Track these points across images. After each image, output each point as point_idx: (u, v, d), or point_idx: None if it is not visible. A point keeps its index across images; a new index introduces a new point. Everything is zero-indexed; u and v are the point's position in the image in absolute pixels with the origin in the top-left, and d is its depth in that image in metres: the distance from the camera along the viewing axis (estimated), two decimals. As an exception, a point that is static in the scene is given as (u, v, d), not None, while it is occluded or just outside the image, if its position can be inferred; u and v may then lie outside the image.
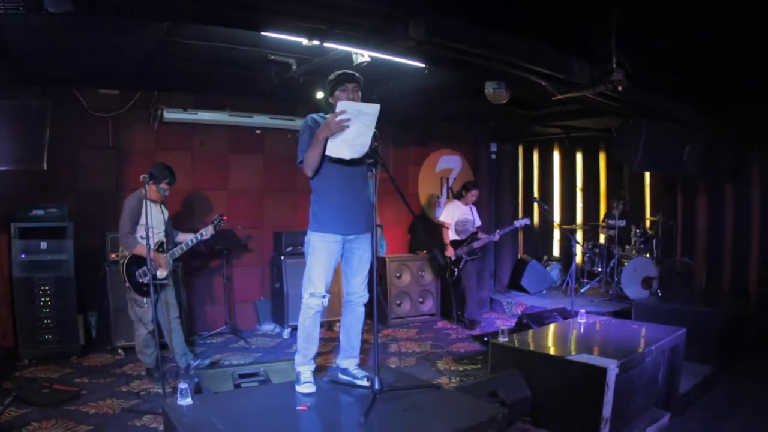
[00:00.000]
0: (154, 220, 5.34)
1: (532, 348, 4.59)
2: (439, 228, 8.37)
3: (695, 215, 8.69)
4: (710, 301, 6.70)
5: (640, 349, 4.36)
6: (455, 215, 8.24)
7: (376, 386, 3.47)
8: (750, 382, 5.60)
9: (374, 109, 3.48)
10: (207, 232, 5.77)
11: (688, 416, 4.80)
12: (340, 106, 3.48)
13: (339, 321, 4.22)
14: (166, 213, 5.78)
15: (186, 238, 5.76)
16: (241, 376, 4.52)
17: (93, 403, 4.94)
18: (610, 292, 8.91)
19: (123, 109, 7.27)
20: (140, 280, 5.40)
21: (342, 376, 4.00)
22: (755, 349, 6.60)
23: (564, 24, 4.75)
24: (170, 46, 5.46)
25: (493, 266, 10.31)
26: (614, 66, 4.88)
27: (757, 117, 7.12)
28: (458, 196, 8.52)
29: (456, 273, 8.12)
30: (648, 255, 8.83)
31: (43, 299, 6.12)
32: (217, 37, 5.24)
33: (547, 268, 10.27)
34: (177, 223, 6.38)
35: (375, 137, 3.59)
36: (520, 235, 10.97)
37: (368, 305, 4.01)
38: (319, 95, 6.83)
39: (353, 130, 3.48)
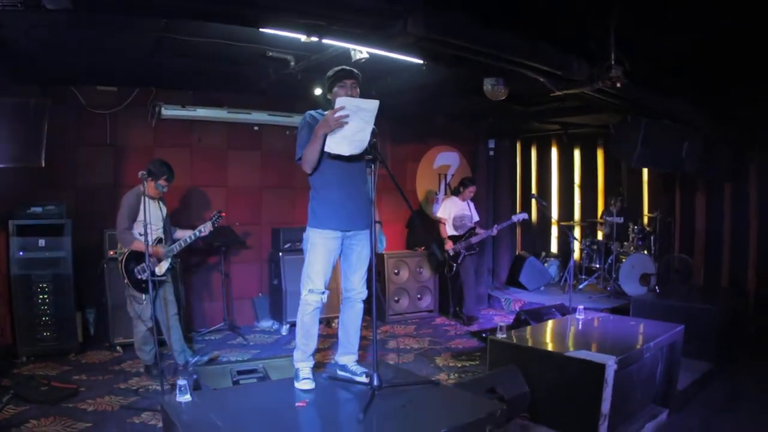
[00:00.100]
0: (152, 216, 5.35)
1: (530, 344, 4.60)
2: (436, 224, 8.38)
3: (693, 212, 8.70)
4: (708, 298, 6.71)
5: (639, 346, 4.36)
6: (452, 211, 8.24)
7: (375, 382, 3.48)
8: (748, 379, 5.61)
9: (373, 105, 3.48)
10: (205, 228, 5.76)
11: (687, 413, 4.81)
12: (339, 102, 3.47)
13: (337, 317, 4.22)
14: (165, 210, 5.77)
15: (184, 235, 5.75)
16: (240, 372, 4.52)
17: (91, 401, 4.94)
18: (608, 288, 8.92)
19: (121, 106, 7.25)
20: (139, 277, 5.40)
21: (341, 373, 4.01)
22: (753, 346, 6.62)
23: (563, 21, 4.75)
24: (168, 43, 5.45)
25: (491, 262, 10.31)
26: (613, 63, 4.88)
27: (756, 116, 7.12)
28: (456, 193, 8.53)
29: (454, 268, 8.13)
30: (646, 252, 8.84)
31: (41, 296, 6.12)
32: (215, 33, 5.22)
33: (545, 264, 10.28)
34: (175, 219, 6.38)
35: (374, 133, 3.58)
36: (518, 231, 10.96)
37: (367, 302, 4.01)
38: (318, 92, 6.83)
39: (352, 126, 3.47)
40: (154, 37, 5.31)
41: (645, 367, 4.44)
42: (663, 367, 4.72)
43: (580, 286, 9.46)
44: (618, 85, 5.03)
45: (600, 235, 9.80)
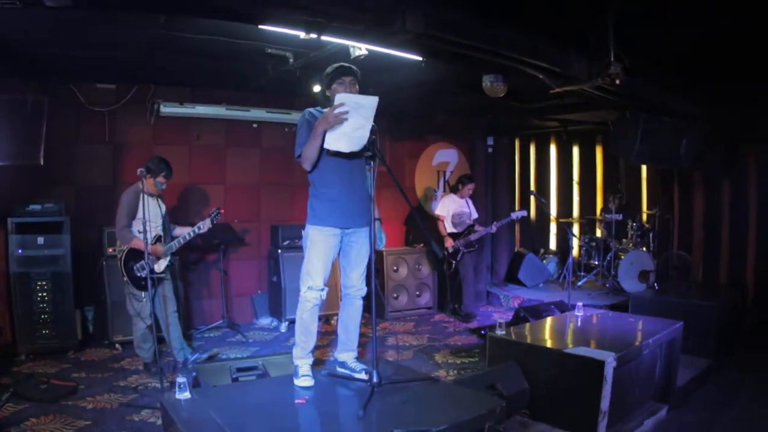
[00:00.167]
0: (151, 213, 5.34)
1: (529, 341, 4.60)
2: (435, 221, 8.38)
3: (692, 209, 8.69)
4: (707, 294, 6.71)
5: (638, 342, 4.36)
6: (451, 208, 8.25)
7: (375, 379, 3.49)
8: (747, 375, 5.61)
9: (373, 101, 3.48)
10: (204, 225, 5.76)
11: (686, 409, 4.81)
12: (339, 98, 3.47)
13: (336, 315, 4.23)
14: (164, 207, 5.77)
15: (183, 232, 5.75)
16: (239, 369, 4.51)
17: (91, 398, 4.94)
18: (607, 285, 8.92)
19: (120, 103, 7.25)
20: (138, 274, 5.39)
21: (340, 370, 4.01)
22: (752, 342, 6.63)
23: (562, 18, 4.75)
24: (167, 40, 5.43)
25: (490, 259, 10.32)
26: (612, 60, 4.88)
27: (755, 116, 7.11)
28: (454, 190, 8.54)
29: (453, 265, 8.13)
30: (645, 248, 8.84)
31: (40, 294, 6.11)
32: (214, 30, 5.20)
33: (544, 261, 10.28)
34: (174, 217, 6.37)
35: (373, 130, 3.58)
36: (517, 228, 10.97)
37: (366, 299, 4.01)
38: (316, 89, 6.81)
39: (352, 122, 3.47)
40: (153, 34, 5.30)
41: (644, 364, 4.45)
42: (662, 363, 4.73)
43: (579, 283, 9.46)
44: (617, 81, 5.03)
45: (599, 232, 9.80)
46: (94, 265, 6.55)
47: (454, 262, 8.10)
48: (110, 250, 6.42)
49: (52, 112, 6.19)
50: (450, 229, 8.19)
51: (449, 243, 8.03)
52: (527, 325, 5.48)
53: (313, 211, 3.81)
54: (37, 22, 4.75)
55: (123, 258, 5.41)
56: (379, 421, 3.17)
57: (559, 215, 10.70)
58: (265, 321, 7.97)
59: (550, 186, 11.20)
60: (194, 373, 4.59)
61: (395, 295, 8.51)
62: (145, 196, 5.09)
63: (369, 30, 4.18)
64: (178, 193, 7.50)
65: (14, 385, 4.92)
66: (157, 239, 5.54)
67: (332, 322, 7.45)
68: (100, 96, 7.16)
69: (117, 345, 6.48)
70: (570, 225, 10.16)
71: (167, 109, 7.33)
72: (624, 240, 9.10)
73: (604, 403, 3.80)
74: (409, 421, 3.03)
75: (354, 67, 3.82)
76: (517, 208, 10.51)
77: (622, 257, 8.62)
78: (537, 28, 4.69)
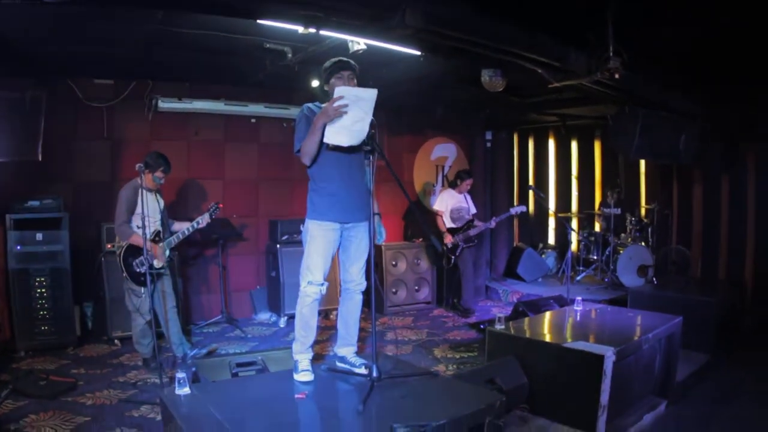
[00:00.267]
0: (150, 209, 5.33)
1: (528, 335, 4.61)
2: (434, 216, 8.37)
3: (691, 204, 8.70)
4: (706, 289, 6.72)
5: (637, 337, 4.37)
6: (449, 203, 8.24)
7: (374, 374, 3.49)
8: (746, 371, 5.62)
9: (372, 94, 3.47)
10: (203, 220, 5.76)
11: (685, 404, 4.83)
12: (338, 91, 3.47)
13: (336, 309, 4.23)
14: (162, 202, 5.76)
15: (182, 227, 5.75)
16: (239, 365, 4.52)
17: (90, 394, 4.94)
18: (606, 280, 8.93)
19: (118, 99, 7.23)
20: (137, 270, 5.39)
21: (340, 364, 4.02)
22: (751, 338, 6.64)
23: (561, 12, 4.73)
24: (165, 36, 5.41)
25: (488, 254, 10.30)
26: (611, 54, 4.87)
27: (755, 114, 7.10)
28: (452, 185, 8.54)
29: (453, 260, 8.13)
30: (643, 243, 8.85)
31: (39, 290, 6.10)
32: (212, 25, 5.19)
33: (543, 256, 10.28)
34: (172, 212, 6.37)
35: (372, 125, 3.57)
36: (516, 223, 10.97)
37: (365, 293, 4.01)
38: (315, 83, 6.81)
39: (351, 115, 3.47)
40: (151, 30, 5.28)
41: (643, 359, 4.46)
42: (661, 358, 4.73)
43: (578, 278, 9.47)
44: (616, 76, 5.01)
45: (597, 227, 9.80)
46: (93, 261, 6.55)
47: (453, 257, 8.10)
48: (109, 246, 6.41)
49: (50, 108, 6.18)
50: (449, 224, 8.18)
51: (448, 239, 8.03)
52: (526, 319, 5.49)
53: (313, 206, 3.81)
54: (35, 18, 4.72)
55: (122, 254, 5.40)
56: (379, 416, 3.18)
57: (558, 210, 10.71)
58: (264, 316, 7.96)
59: (549, 180, 11.19)
60: (193, 369, 4.60)
61: (394, 290, 8.51)
62: (144, 191, 5.09)
63: (368, 25, 4.18)
64: (176, 189, 7.49)
65: (13, 382, 4.92)
66: (156, 234, 5.53)
67: (331, 316, 7.45)
68: (98, 92, 7.14)
69: (116, 341, 6.47)
70: (569, 220, 10.16)
71: (165, 104, 7.32)
72: (623, 235, 9.11)
73: (604, 398, 3.80)
74: (409, 415, 3.03)
75: (352, 62, 3.82)
76: (515, 202, 10.51)
77: (621, 252, 8.63)
78: (536, 22, 4.68)
